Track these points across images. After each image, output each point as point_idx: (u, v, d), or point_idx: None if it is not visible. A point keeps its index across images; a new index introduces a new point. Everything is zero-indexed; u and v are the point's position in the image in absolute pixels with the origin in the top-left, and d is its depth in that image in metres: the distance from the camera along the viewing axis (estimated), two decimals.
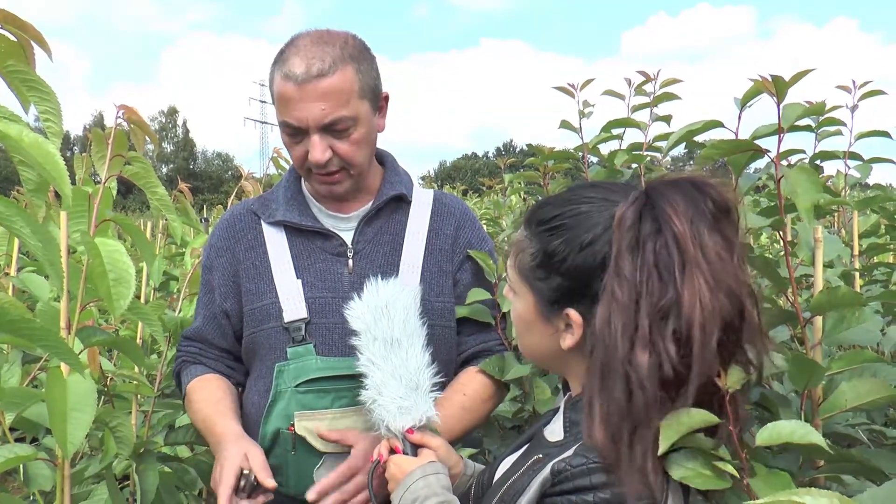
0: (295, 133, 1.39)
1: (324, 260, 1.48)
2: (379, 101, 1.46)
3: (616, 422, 0.90)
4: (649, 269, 0.91)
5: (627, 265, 0.92)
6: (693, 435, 0.90)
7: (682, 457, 0.91)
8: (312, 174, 1.44)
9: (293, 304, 1.45)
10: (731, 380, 0.92)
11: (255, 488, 1.28)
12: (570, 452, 0.95)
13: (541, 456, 1.01)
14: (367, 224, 1.51)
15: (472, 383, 1.49)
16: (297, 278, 1.46)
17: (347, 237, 1.50)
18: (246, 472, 1.28)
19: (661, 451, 0.88)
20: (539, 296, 1.05)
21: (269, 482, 1.27)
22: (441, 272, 1.51)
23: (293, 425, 1.40)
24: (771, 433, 0.92)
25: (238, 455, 1.30)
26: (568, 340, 1.03)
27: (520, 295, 1.09)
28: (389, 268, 1.48)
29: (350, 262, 1.48)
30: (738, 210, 0.97)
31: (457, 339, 1.54)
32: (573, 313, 1.01)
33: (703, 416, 0.89)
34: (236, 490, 1.27)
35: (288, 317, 1.44)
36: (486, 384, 1.50)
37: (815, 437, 0.90)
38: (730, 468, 0.89)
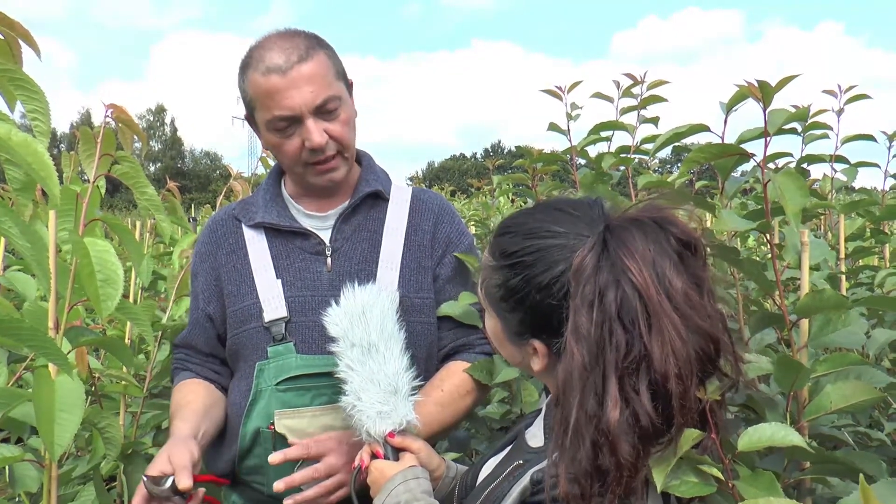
0: (288, 125, 1.40)
1: (302, 259, 1.49)
2: (349, 86, 1.49)
3: (583, 481, 0.87)
4: (611, 321, 0.87)
5: (584, 322, 0.88)
6: None
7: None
8: (309, 167, 1.45)
9: (273, 303, 1.46)
10: (710, 390, 0.91)
11: (177, 492, 1.23)
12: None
13: (521, 462, 1.01)
14: (344, 222, 1.52)
15: (450, 379, 1.48)
16: (277, 278, 1.48)
17: (325, 236, 1.51)
18: (160, 477, 1.23)
19: (659, 489, 0.87)
20: (505, 324, 1.04)
21: (183, 483, 1.22)
22: (420, 268, 1.52)
23: (273, 424, 1.41)
24: (751, 438, 0.93)
25: (159, 460, 1.26)
26: (536, 365, 1.03)
27: (489, 316, 1.09)
28: (367, 265, 1.48)
29: (328, 260, 1.49)
30: (703, 242, 0.94)
31: (437, 335, 1.54)
32: (538, 344, 1.00)
33: (689, 437, 0.88)
34: (150, 498, 1.23)
35: (268, 316, 1.45)
36: (465, 379, 1.49)
37: (796, 438, 0.91)
38: (715, 471, 0.89)
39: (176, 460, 1.25)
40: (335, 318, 1.28)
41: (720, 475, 0.90)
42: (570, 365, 0.89)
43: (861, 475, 0.66)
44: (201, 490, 1.28)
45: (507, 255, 1.01)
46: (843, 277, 1.79)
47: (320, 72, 1.39)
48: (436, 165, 70.25)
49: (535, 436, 1.06)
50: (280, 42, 1.40)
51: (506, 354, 1.10)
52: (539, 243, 0.97)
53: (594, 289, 0.89)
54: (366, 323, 1.26)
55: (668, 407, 0.86)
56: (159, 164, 67.80)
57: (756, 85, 1.18)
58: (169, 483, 1.23)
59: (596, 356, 0.87)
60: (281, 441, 1.40)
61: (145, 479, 1.24)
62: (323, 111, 1.40)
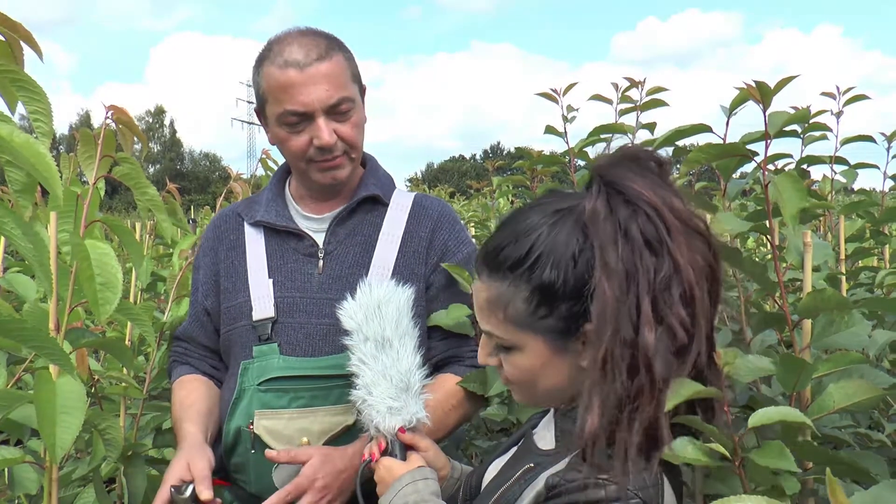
0: (299, 121, 1.40)
1: (295, 260, 1.50)
2: (363, 91, 1.50)
3: (614, 407, 0.89)
4: (640, 249, 0.91)
5: (612, 257, 0.91)
6: (690, 417, 0.93)
7: (679, 444, 0.92)
8: (314, 163, 1.45)
9: (263, 303, 1.47)
10: (727, 357, 0.95)
11: (196, 501, 1.25)
12: (563, 465, 0.94)
13: (532, 465, 1.00)
14: (338, 225, 1.52)
15: (435, 392, 1.39)
16: (269, 278, 1.48)
17: (320, 238, 1.51)
18: (180, 485, 1.26)
19: (667, 408, 0.89)
20: (548, 334, 0.98)
21: (205, 494, 1.24)
22: (413, 275, 1.49)
23: (252, 423, 1.40)
24: (762, 416, 0.93)
25: (178, 466, 1.29)
26: (590, 356, 0.97)
27: (522, 348, 0.99)
28: (359, 269, 1.47)
29: (320, 262, 1.49)
30: (665, 158, 1.00)
31: (427, 345, 1.50)
32: (590, 327, 0.95)
33: (696, 387, 0.90)
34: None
35: (256, 315, 1.46)
36: (452, 393, 1.45)
37: (803, 416, 0.91)
38: (722, 450, 0.91)
39: (196, 470, 1.28)
40: (350, 312, 1.27)
41: (727, 453, 0.92)
42: (602, 303, 0.91)
43: (828, 469, 0.66)
44: (218, 500, 1.29)
45: (520, 262, 0.97)
46: (843, 279, 1.79)
47: (337, 72, 1.40)
48: (435, 167, 70.29)
49: (543, 437, 1.05)
50: (301, 39, 1.41)
51: (551, 380, 1.01)
52: (542, 232, 0.97)
53: (615, 225, 0.92)
54: (381, 317, 1.25)
55: (693, 315, 0.91)
56: (158, 166, 67.77)
57: (755, 87, 1.18)
58: (189, 491, 1.25)
59: (627, 286, 0.90)
60: (259, 442, 1.40)
61: (172, 489, 1.26)
62: (335, 111, 1.41)
